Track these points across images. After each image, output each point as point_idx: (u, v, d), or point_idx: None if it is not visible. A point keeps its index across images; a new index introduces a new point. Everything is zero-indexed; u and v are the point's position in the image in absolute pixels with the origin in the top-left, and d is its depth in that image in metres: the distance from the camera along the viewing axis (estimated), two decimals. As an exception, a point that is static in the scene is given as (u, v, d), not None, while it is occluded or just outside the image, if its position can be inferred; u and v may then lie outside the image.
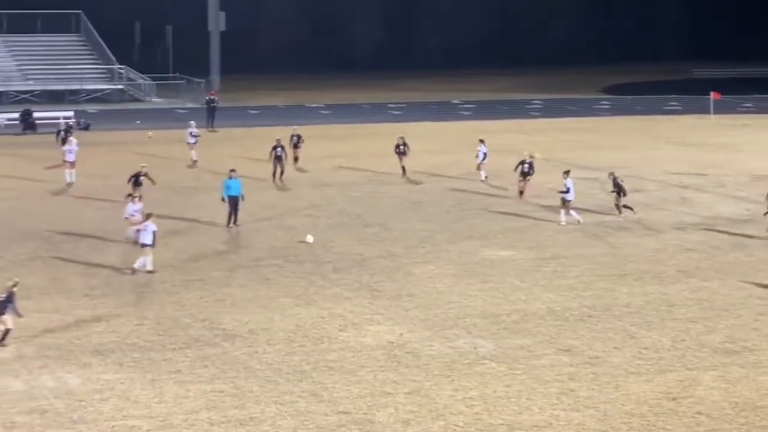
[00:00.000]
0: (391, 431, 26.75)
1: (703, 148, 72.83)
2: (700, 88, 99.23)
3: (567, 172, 50.37)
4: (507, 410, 28.02)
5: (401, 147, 60.59)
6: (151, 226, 40.93)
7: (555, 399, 28.75)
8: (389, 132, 73.62)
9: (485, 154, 59.51)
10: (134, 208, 44.38)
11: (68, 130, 66.68)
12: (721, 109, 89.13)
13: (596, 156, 68.04)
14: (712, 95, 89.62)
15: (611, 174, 51.14)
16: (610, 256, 43.67)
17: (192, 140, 65.74)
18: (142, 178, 50.52)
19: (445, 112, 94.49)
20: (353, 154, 65.21)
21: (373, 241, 46.50)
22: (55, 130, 71.28)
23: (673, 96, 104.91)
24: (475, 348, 32.75)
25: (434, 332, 34.24)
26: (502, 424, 27.14)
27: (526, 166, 53.82)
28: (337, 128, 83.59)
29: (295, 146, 62.96)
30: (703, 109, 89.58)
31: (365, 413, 27.76)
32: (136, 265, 40.83)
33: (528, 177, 53.95)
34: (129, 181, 50.35)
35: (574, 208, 49.49)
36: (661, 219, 50.70)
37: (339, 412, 27.81)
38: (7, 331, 32.92)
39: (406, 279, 40.40)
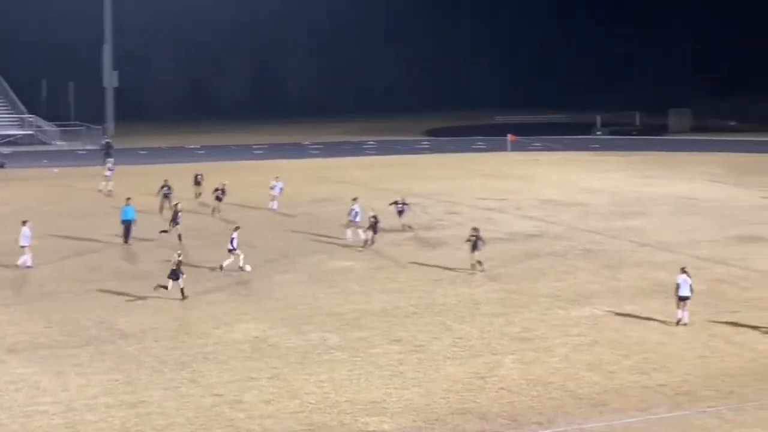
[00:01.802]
0: (256, 409, 26.59)
1: (503, 179, 73.76)
2: (500, 131, 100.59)
3: (355, 199, 50.09)
4: (350, 389, 28.05)
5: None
6: (235, 234, 42.23)
7: (388, 380, 28.86)
8: (253, 167, 73.44)
9: (281, 188, 58.91)
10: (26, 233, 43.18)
11: None
12: (516, 147, 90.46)
13: (419, 185, 68.57)
14: (509, 137, 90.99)
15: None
16: (429, 265, 43.93)
17: (108, 174, 65.01)
18: (180, 213, 49.01)
19: (298, 151, 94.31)
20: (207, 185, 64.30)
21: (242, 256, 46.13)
22: None
23: (479, 137, 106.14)
24: (324, 340, 32.75)
25: (291, 328, 34.14)
26: (346, 401, 27.16)
27: (400, 205, 51.41)
28: (211, 165, 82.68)
29: (198, 183, 61.67)
30: (503, 148, 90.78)
31: (235, 395, 27.56)
32: (224, 264, 42.23)
33: (402, 215, 51.22)
34: (171, 221, 49.00)
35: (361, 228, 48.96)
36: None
37: (213, 395, 27.57)
38: (182, 290, 37.25)
39: (268, 285, 40.22)
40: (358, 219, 49.11)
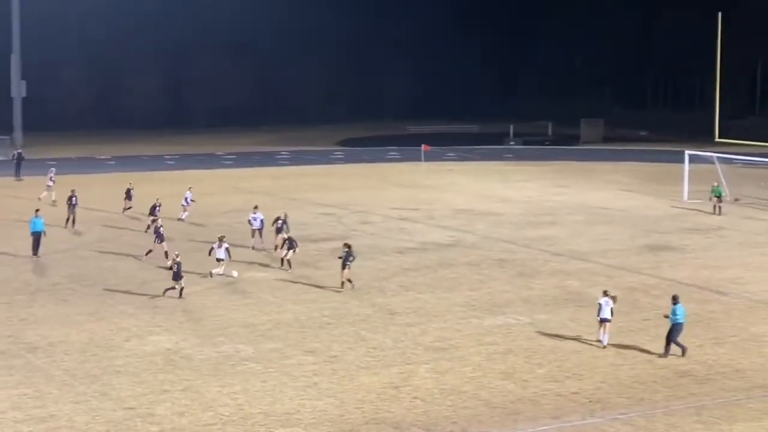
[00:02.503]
0: (168, 422, 26.36)
1: (416, 189, 74.07)
2: (414, 141, 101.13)
3: (256, 207, 50.37)
4: (264, 401, 27.95)
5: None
6: (224, 245, 43.61)
7: (302, 391, 28.81)
8: (165, 178, 72.78)
9: (189, 198, 58.37)
10: None
11: None
12: (430, 157, 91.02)
13: (333, 195, 68.67)
14: (423, 147, 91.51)
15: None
16: (343, 275, 43.80)
17: (50, 183, 63.88)
18: (161, 229, 47.56)
19: (211, 161, 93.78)
20: (136, 197, 63.47)
21: (152, 267, 45.72)
22: None
23: (393, 147, 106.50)
24: (237, 351, 32.59)
25: (204, 339, 33.92)
26: (259, 413, 27.05)
27: (280, 222, 48.27)
28: (123, 176, 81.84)
29: (129, 197, 60.14)
30: (416, 158, 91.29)
31: (147, 408, 27.29)
32: (214, 271, 43.50)
33: (282, 233, 47.32)
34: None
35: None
36: (385, 245, 51.31)
37: (125, 408, 27.27)
38: (182, 289, 39.33)
39: (180, 297, 39.86)
40: (261, 226, 49.24)
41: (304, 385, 29.32)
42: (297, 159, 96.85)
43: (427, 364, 31.42)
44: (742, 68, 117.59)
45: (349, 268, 41.25)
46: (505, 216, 61.07)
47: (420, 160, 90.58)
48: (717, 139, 70.00)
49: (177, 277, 39.42)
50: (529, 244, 51.87)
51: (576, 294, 40.71)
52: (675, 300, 32.87)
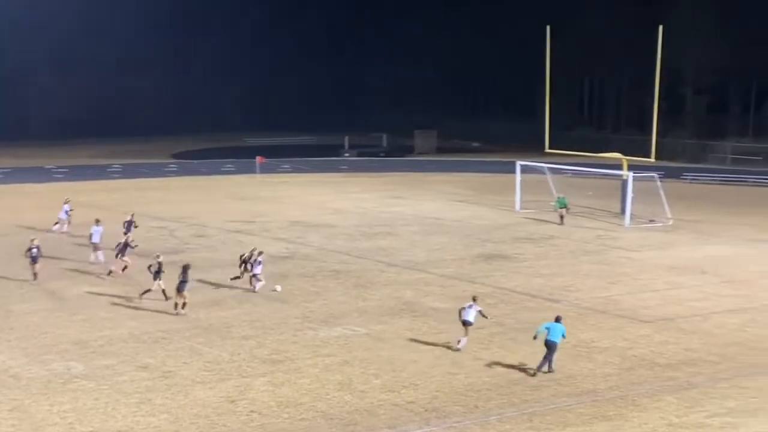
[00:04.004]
0: (-5, 444, 25.63)
1: (252, 201, 73.75)
2: (250, 153, 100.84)
3: (97, 221, 49.44)
4: (95, 419, 27.32)
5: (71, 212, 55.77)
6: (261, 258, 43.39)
7: (135, 407, 28.27)
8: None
9: (67, 210, 57.37)
10: None
11: None
12: (265, 169, 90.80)
13: (166, 208, 67.84)
14: (258, 159, 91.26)
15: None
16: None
17: None
18: (132, 243, 46.11)
19: (41, 175, 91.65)
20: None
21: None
22: None
23: (229, 159, 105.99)
24: (68, 369, 31.81)
25: (32, 358, 33.00)
26: (91, 431, 26.44)
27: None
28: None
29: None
30: (252, 170, 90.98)
31: (-28, 430, 26.48)
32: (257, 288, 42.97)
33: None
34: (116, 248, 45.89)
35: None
36: (220, 258, 50.87)
37: (-51, 431, 26.40)
38: (164, 291, 39.96)
39: (6, 315, 38.70)
40: (96, 239, 48.21)
41: (137, 401, 28.78)
42: (129, 172, 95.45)
43: (263, 376, 31.22)
44: (571, 80, 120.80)
45: (183, 291, 39.33)
46: (340, 227, 61.26)
47: (255, 172, 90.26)
48: (547, 150, 71.58)
49: (156, 277, 40.22)
50: (364, 255, 52.13)
51: (411, 304, 41.04)
52: (557, 319, 32.44)
